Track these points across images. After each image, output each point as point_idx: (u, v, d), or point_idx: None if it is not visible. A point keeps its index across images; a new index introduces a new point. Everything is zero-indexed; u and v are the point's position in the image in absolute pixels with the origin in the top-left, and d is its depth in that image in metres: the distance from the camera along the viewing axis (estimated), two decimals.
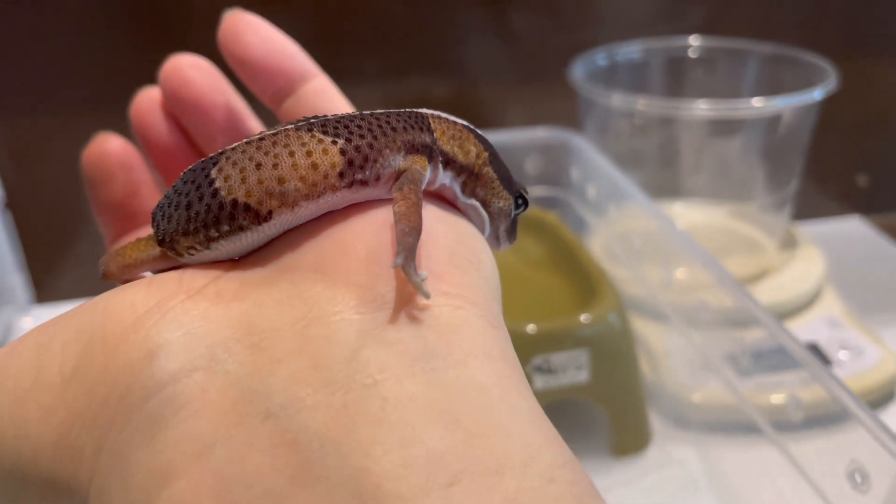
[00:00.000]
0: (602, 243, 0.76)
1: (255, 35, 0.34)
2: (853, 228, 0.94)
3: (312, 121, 0.26)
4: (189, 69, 0.35)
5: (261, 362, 0.22)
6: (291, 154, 0.25)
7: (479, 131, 0.30)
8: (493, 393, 0.22)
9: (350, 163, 0.25)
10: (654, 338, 0.67)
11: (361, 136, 0.26)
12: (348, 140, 0.25)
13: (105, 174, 0.38)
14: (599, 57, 0.80)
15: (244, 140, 0.26)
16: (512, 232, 0.32)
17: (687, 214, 0.82)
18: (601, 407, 0.59)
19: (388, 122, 0.27)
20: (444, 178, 0.29)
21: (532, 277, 0.67)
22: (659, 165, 0.80)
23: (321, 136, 0.25)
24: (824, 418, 0.56)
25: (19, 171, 0.82)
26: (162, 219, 0.26)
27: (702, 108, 0.70)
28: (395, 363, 0.22)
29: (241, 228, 0.25)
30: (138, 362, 0.22)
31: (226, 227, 0.25)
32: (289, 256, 0.25)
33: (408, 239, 0.24)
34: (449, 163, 0.28)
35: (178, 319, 0.23)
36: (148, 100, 0.38)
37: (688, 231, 0.78)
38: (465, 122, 0.30)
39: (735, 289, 0.57)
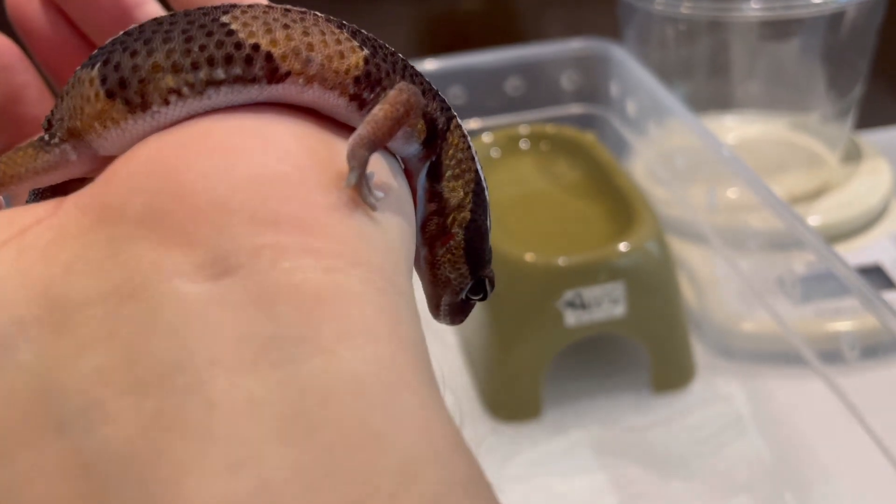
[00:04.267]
0: (643, 165, 0.71)
1: None
2: None
3: (343, 22, 0.23)
4: None
5: (63, 350, 0.17)
6: (322, 33, 0.22)
7: (487, 195, 0.26)
8: (369, 389, 0.17)
9: (367, 75, 0.22)
10: (699, 263, 0.63)
11: (384, 59, 0.23)
12: (373, 53, 0.23)
13: None
14: None
15: (263, 3, 0.23)
16: (456, 314, 0.27)
17: (739, 128, 0.76)
18: (640, 341, 0.56)
19: (413, 71, 0.24)
20: (420, 181, 0.25)
21: (566, 204, 0.63)
22: (707, 75, 0.74)
23: (349, 37, 0.23)
24: (882, 349, 0.52)
25: None
26: (130, 56, 0.21)
27: (754, 7, 0.64)
28: (233, 354, 0.17)
29: (252, 80, 0.21)
30: None
31: (237, 71, 0.21)
32: (113, 199, 0.20)
33: (361, 151, 0.20)
34: (433, 176, 0.25)
35: None
36: None
37: (741, 146, 0.73)
38: (481, 171, 0.26)
39: (782, 209, 0.52)
